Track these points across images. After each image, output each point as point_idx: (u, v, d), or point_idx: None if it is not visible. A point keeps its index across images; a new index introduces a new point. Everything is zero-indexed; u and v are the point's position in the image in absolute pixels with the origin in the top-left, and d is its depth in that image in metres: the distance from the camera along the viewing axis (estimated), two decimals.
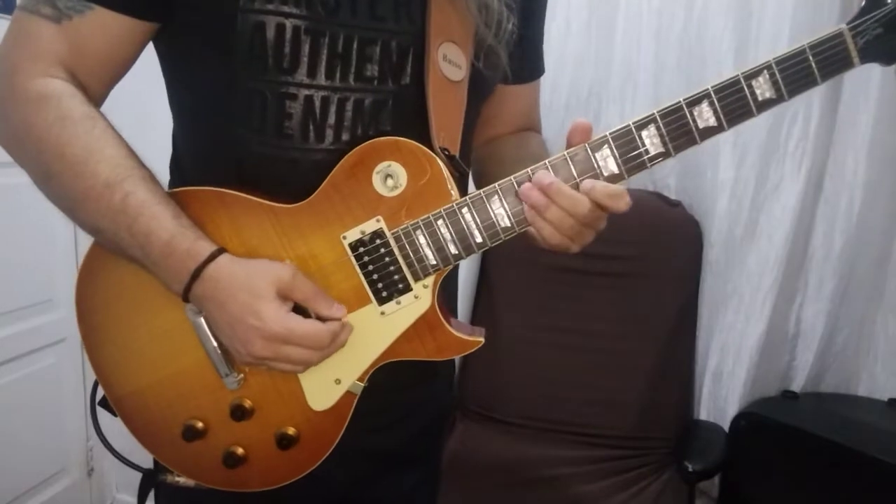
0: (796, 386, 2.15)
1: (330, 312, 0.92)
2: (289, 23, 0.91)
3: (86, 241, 0.97)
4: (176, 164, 1.10)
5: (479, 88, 1.08)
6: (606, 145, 0.90)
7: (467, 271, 2.31)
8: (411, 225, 0.93)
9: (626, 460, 2.10)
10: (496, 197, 0.92)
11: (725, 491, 2.07)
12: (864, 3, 0.87)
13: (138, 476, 1.08)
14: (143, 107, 1.54)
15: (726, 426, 2.06)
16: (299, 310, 0.91)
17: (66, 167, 0.88)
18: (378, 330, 0.96)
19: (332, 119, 0.95)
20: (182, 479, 1.03)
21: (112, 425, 1.05)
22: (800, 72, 0.87)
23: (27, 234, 2.37)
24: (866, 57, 0.87)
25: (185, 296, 0.90)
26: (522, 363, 2.21)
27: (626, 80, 2.22)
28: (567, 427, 2.17)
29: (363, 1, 0.94)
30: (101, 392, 1.04)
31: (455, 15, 1.01)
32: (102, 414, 1.04)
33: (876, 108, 1.92)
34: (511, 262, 2.24)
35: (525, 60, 1.16)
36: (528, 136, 1.24)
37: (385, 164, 0.92)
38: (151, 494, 1.10)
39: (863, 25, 0.86)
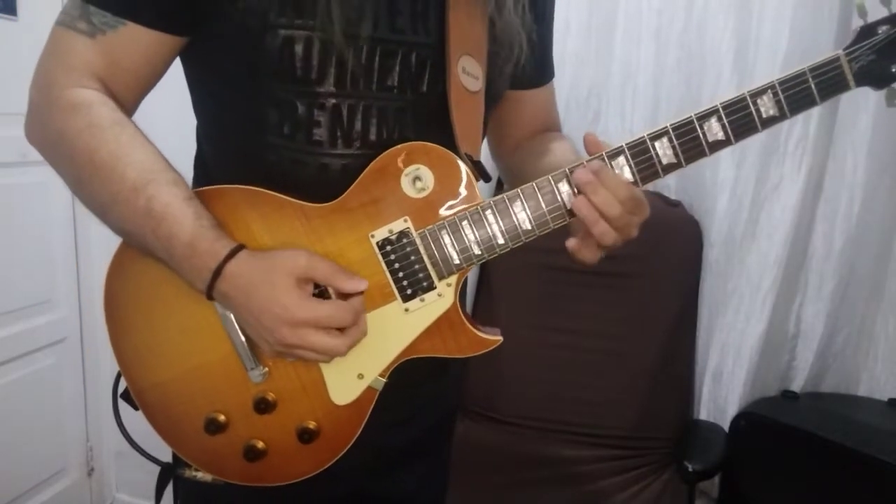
0: (796, 386, 2.16)
1: (351, 286, 0.94)
2: (316, 36, 0.93)
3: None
4: (201, 162, 1.12)
5: (491, 97, 1.12)
6: (622, 155, 0.96)
7: None
8: (437, 225, 0.96)
9: (626, 460, 2.10)
10: (519, 201, 0.97)
11: (725, 491, 2.07)
12: (858, 30, 0.95)
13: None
14: (151, 104, 1.55)
15: (726, 426, 2.06)
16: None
17: (96, 172, 0.91)
18: (401, 326, 0.99)
19: (358, 126, 0.98)
20: (200, 474, 1.05)
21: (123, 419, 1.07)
22: (801, 92, 0.95)
23: (27, 234, 2.37)
24: (860, 81, 0.95)
25: (209, 294, 0.92)
26: (522, 363, 2.20)
27: (626, 80, 2.22)
28: (567, 427, 2.17)
29: (383, 14, 0.97)
30: (122, 386, 1.05)
31: (471, 29, 1.04)
32: (106, 412, 1.05)
33: (875, 108, 1.93)
34: (511, 261, 2.23)
35: (538, 65, 1.19)
36: (553, 141, 1.24)
37: (414, 167, 0.96)
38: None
39: (858, 51, 0.94)
